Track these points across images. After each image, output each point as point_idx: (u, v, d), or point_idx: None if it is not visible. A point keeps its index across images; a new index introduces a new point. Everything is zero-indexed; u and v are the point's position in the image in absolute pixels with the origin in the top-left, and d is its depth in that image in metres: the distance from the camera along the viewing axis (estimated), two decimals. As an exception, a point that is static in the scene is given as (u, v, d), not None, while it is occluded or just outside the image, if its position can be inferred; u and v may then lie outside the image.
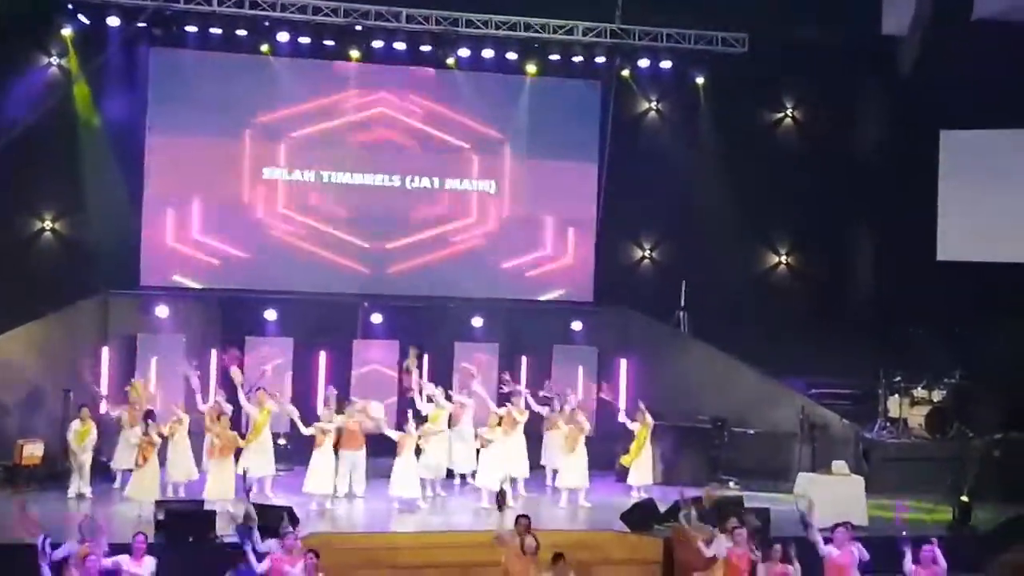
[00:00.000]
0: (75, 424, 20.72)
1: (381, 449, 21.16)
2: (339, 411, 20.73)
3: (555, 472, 22.05)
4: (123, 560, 15.15)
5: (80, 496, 20.35)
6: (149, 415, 20.30)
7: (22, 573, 15.66)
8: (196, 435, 20.74)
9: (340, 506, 20.27)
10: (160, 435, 19.88)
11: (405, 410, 23.22)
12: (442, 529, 19.45)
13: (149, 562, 15.28)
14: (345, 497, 20.52)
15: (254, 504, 18.73)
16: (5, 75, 23.69)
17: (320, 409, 21.10)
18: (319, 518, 19.49)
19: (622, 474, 22.11)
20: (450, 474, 21.92)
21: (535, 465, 22.19)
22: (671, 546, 18.46)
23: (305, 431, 20.35)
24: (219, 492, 19.42)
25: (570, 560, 15.88)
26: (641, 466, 21.73)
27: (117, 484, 20.85)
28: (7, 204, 23.94)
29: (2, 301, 22.93)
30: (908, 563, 16.09)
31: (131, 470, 20.04)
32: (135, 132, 24.51)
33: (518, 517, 16.54)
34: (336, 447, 20.47)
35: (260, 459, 20.47)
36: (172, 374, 23.03)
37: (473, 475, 21.59)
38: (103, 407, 21.51)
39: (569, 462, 21.24)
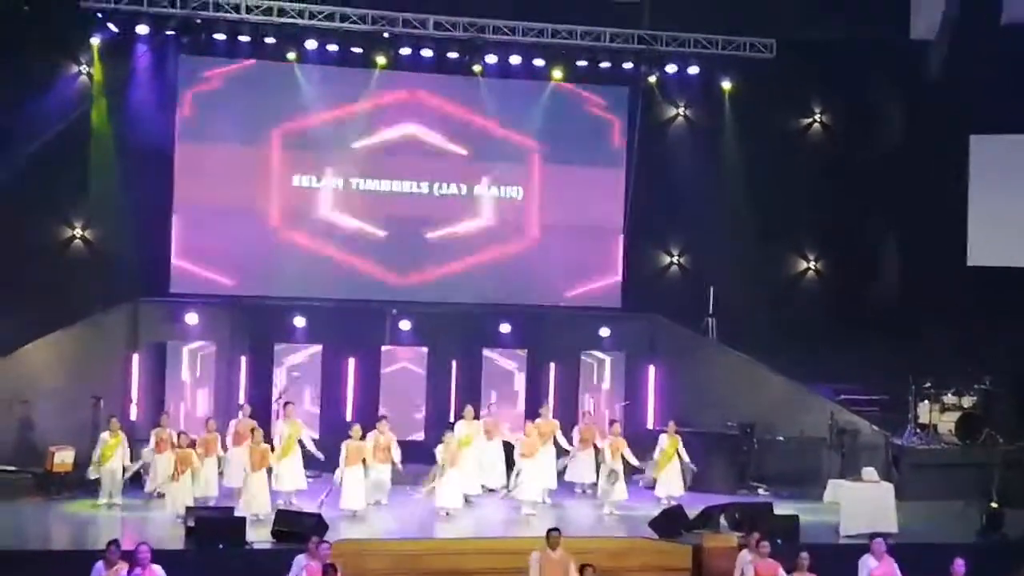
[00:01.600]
0: (104, 435, 20.76)
1: (410, 456, 21.26)
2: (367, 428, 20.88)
3: (584, 485, 22.14)
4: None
5: (111, 505, 20.39)
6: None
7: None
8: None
9: (368, 513, 20.31)
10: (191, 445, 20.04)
11: (433, 419, 23.45)
12: (471, 536, 19.48)
13: (158, 571, 15.07)
14: (373, 505, 20.58)
15: (285, 513, 18.89)
16: (37, 84, 23.83)
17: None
18: (349, 525, 19.52)
19: (650, 485, 22.09)
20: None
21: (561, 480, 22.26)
22: (700, 553, 18.45)
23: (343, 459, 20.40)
24: (254, 506, 19.51)
25: (599, 568, 15.88)
26: (669, 478, 21.72)
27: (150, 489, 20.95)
28: (38, 212, 24.02)
29: (33, 308, 23.07)
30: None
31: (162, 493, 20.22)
32: (165, 140, 24.58)
33: (549, 530, 16.51)
34: (364, 460, 20.56)
35: (291, 473, 20.59)
36: (202, 383, 23.22)
37: (503, 488, 21.88)
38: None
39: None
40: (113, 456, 20.56)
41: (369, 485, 20.52)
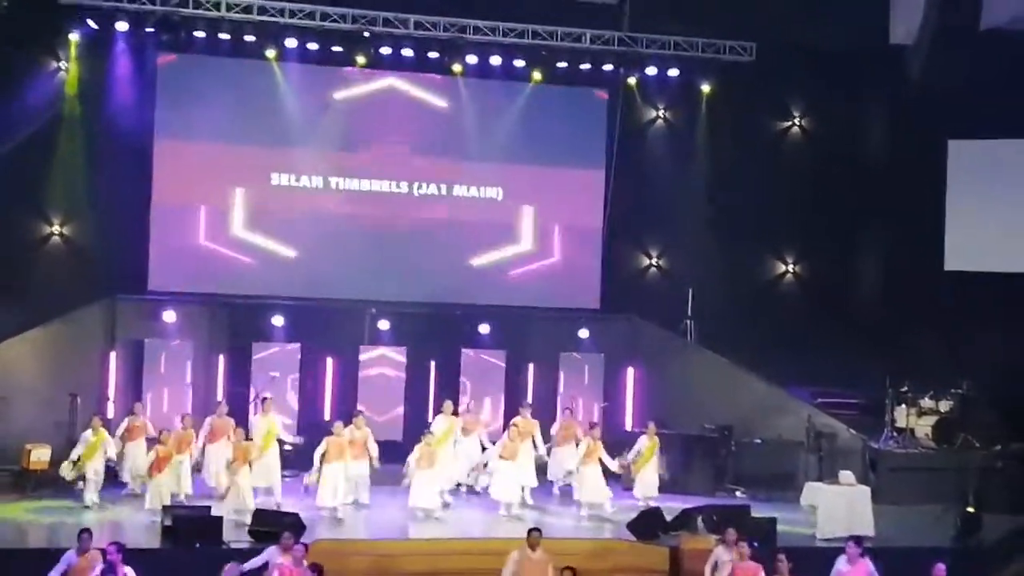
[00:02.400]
0: (87, 434, 20.62)
1: (388, 457, 21.19)
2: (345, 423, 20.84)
3: (564, 485, 22.07)
4: None
5: (91, 504, 20.19)
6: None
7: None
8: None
9: (347, 514, 20.26)
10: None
11: (411, 420, 23.38)
12: (450, 536, 19.46)
13: (129, 573, 15.00)
14: (352, 505, 20.54)
15: (263, 512, 18.79)
16: (15, 80, 23.74)
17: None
18: (327, 525, 19.46)
19: (627, 486, 22.06)
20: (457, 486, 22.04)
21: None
22: (678, 555, 18.47)
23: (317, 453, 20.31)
24: (240, 502, 19.45)
25: (580, 570, 15.83)
26: (646, 479, 21.70)
27: (135, 489, 20.81)
28: (15, 208, 23.95)
29: (10, 305, 23.00)
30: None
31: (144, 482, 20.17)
32: (143, 136, 24.52)
33: (530, 530, 16.49)
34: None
35: (268, 470, 20.54)
36: (179, 381, 23.15)
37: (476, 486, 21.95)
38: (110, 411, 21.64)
39: (594, 475, 21.25)
40: (95, 456, 20.44)
41: (348, 482, 20.45)
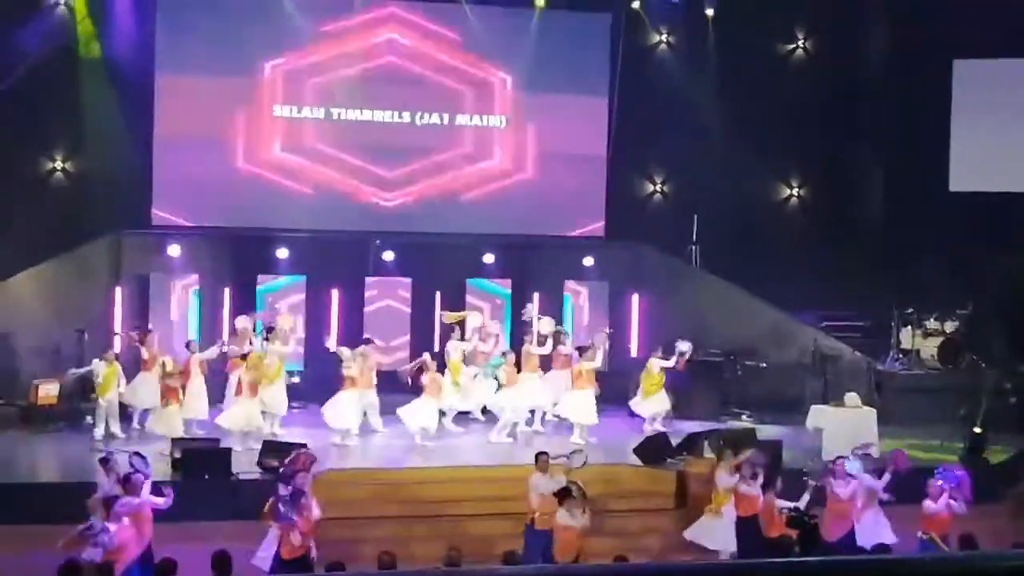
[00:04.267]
0: (99, 363, 20.57)
1: (395, 387, 21.23)
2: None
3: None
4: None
5: (111, 436, 20.24)
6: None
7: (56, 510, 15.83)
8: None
9: (354, 442, 20.34)
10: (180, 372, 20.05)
11: (418, 349, 23.35)
12: (454, 464, 19.53)
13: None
14: (359, 434, 20.61)
15: (271, 443, 18.90)
16: (15, 12, 23.56)
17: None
18: (334, 456, 19.54)
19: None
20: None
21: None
22: (684, 479, 18.57)
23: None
24: (240, 424, 19.59)
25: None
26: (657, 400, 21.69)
27: (135, 423, 20.90)
28: (18, 144, 23.84)
29: (15, 241, 22.99)
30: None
31: (148, 409, 20.27)
32: (145, 69, 24.38)
33: (537, 455, 16.56)
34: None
35: (275, 399, 20.62)
36: (186, 314, 23.19)
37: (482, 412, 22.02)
38: (117, 343, 21.65)
39: (586, 398, 21.26)
40: (110, 387, 20.49)
41: (359, 409, 20.53)
